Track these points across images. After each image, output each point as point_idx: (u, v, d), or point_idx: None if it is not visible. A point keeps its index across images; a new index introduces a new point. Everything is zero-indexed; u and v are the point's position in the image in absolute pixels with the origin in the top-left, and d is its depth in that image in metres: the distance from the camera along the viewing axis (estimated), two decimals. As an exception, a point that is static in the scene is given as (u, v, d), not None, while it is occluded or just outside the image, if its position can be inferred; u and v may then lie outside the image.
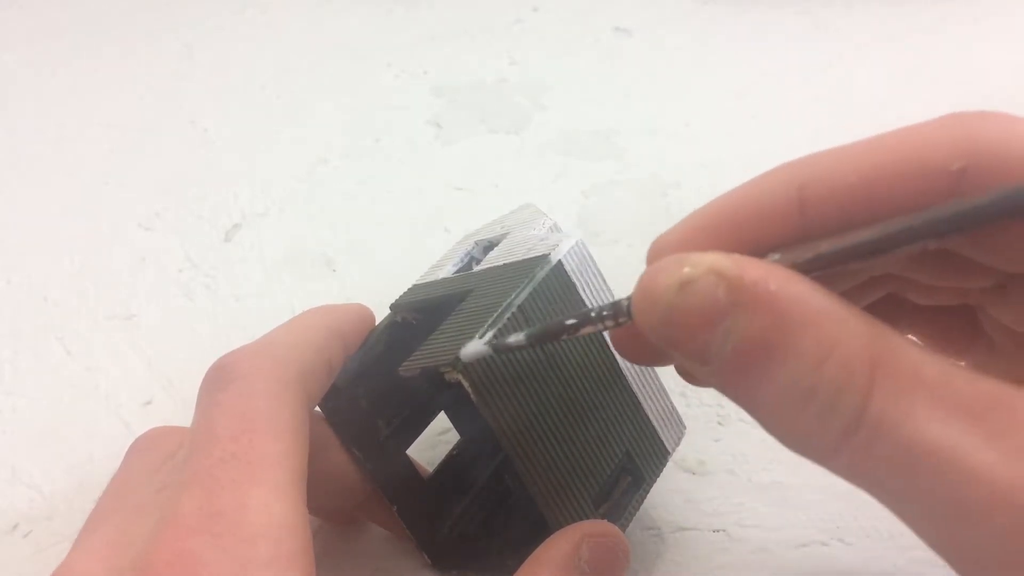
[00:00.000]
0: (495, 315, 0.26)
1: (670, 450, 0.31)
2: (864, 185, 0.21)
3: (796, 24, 0.64)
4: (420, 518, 0.31)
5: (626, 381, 0.30)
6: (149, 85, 0.63)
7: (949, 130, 0.21)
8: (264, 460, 0.23)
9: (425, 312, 0.30)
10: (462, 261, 0.33)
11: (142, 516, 0.24)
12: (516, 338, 0.24)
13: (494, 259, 0.31)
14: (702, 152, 0.53)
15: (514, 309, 0.26)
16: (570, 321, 0.22)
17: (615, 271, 0.33)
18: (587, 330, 0.22)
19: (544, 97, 0.59)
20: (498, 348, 0.24)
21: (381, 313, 0.31)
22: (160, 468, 0.26)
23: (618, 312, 0.22)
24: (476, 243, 0.33)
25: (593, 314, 0.22)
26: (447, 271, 0.32)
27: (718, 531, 0.33)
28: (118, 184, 0.54)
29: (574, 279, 0.28)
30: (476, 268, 0.31)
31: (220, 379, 0.25)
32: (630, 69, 0.61)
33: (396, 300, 0.32)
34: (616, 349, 0.26)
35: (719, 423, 0.37)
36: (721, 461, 0.35)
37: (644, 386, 0.30)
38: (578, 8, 0.68)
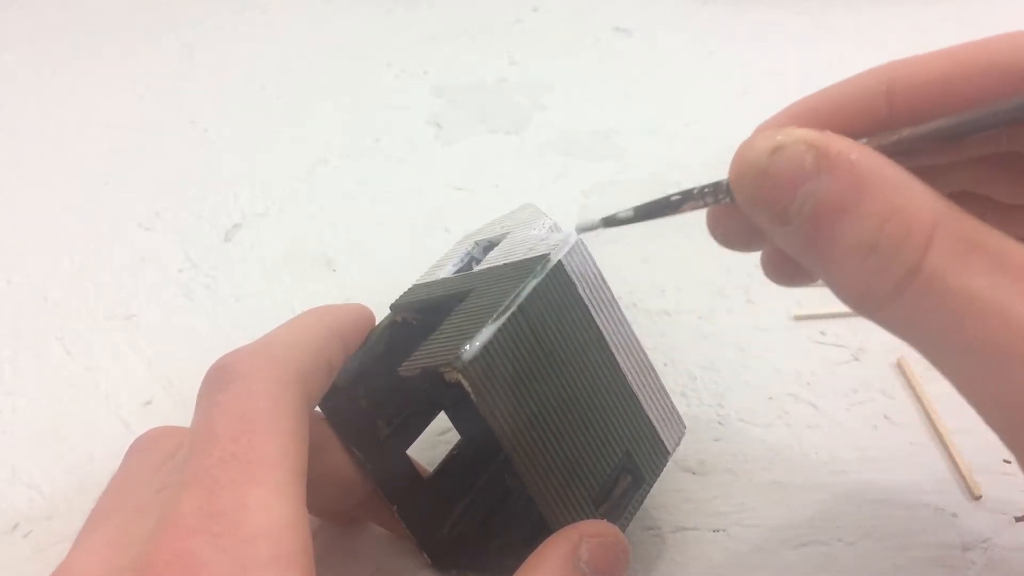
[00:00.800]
0: (495, 314, 0.26)
1: (670, 450, 0.31)
2: (947, 81, 0.23)
3: (796, 24, 0.64)
4: (420, 518, 0.31)
5: (626, 381, 0.29)
6: (149, 85, 0.63)
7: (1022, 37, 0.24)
8: (264, 460, 0.23)
9: (425, 312, 0.30)
10: (462, 261, 0.33)
11: (142, 516, 0.24)
12: (625, 213, 0.25)
13: (494, 259, 0.31)
14: (702, 152, 0.53)
15: (514, 309, 0.26)
16: (674, 197, 0.24)
17: (615, 271, 0.33)
18: (689, 206, 0.25)
19: (544, 97, 0.59)
20: (608, 222, 0.26)
21: (381, 313, 0.31)
22: (160, 468, 0.26)
23: (718, 190, 0.24)
24: (476, 243, 0.33)
25: (695, 191, 0.24)
26: (447, 271, 0.32)
27: (718, 531, 0.33)
28: (118, 184, 0.54)
29: (574, 279, 0.28)
30: (476, 268, 0.31)
31: (220, 379, 0.25)
32: (630, 69, 0.61)
33: (396, 300, 0.32)
34: (711, 231, 0.27)
35: (719, 423, 0.37)
36: (721, 461, 0.35)
37: (644, 386, 0.30)
38: (578, 8, 0.68)
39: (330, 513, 0.33)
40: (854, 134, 0.23)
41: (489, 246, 0.33)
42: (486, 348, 0.25)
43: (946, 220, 0.20)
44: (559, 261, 0.28)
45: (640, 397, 0.30)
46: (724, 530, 0.33)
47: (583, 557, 0.25)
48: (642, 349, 0.31)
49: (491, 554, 0.31)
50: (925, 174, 0.22)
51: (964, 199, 0.26)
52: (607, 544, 0.26)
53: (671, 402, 0.31)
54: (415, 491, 0.31)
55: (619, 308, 0.30)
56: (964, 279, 0.20)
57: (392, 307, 0.31)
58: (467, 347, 0.25)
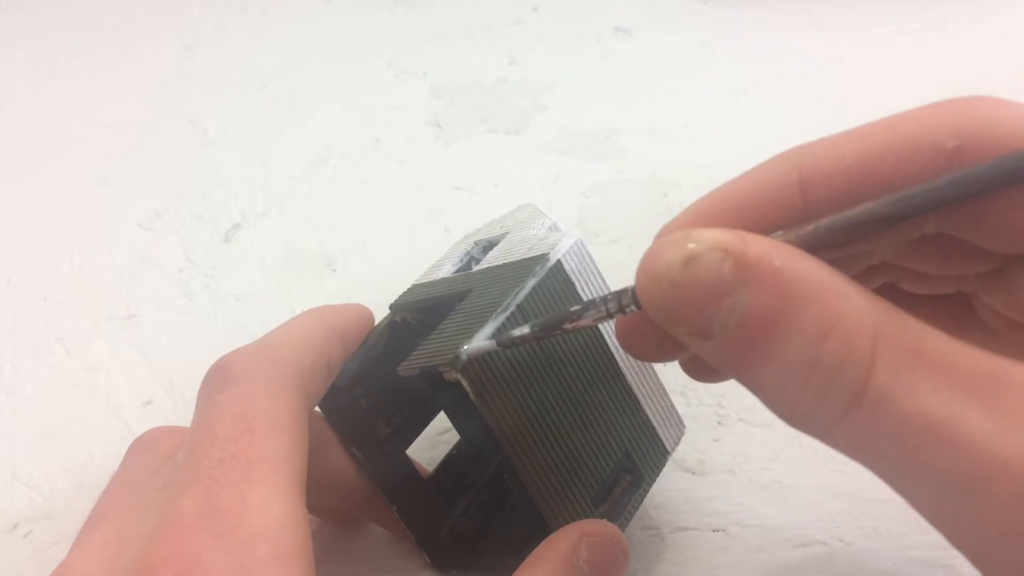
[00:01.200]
0: (494, 314, 0.26)
1: (669, 450, 0.31)
2: (862, 165, 0.21)
3: (796, 24, 0.64)
4: (420, 518, 0.31)
5: (626, 381, 0.29)
6: (149, 85, 0.63)
7: (944, 111, 0.21)
8: (264, 460, 0.23)
9: (424, 312, 0.30)
10: (461, 261, 0.33)
11: (141, 516, 0.24)
12: (520, 331, 0.24)
13: (493, 259, 0.31)
14: (702, 152, 0.53)
15: (513, 308, 0.26)
16: (574, 308, 0.23)
17: (615, 271, 0.33)
18: (591, 317, 0.22)
19: (544, 97, 0.59)
20: (502, 342, 0.24)
21: (381, 313, 0.31)
22: (160, 468, 0.26)
23: (622, 299, 0.22)
24: (475, 243, 0.33)
25: (598, 301, 0.22)
26: (446, 271, 0.32)
27: (718, 531, 0.33)
28: (118, 184, 0.54)
29: (573, 279, 0.28)
30: (475, 268, 0.31)
31: (219, 379, 0.25)
32: (630, 69, 0.61)
33: (395, 300, 0.32)
34: (621, 343, 0.25)
35: (719, 423, 0.37)
36: (721, 461, 0.35)
37: (644, 385, 0.30)
38: (578, 8, 0.68)
39: (330, 513, 0.33)
40: (768, 229, 0.21)
41: (488, 246, 0.33)
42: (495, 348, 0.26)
43: (887, 328, 0.18)
44: (558, 260, 0.28)
45: (639, 397, 0.30)
46: (724, 530, 0.33)
47: (582, 556, 0.25)
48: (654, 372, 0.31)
49: (491, 554, 0.31)
50: (841, 260, 0.22)
51: (883, 269, 0.25)
52: (606, 543, 0.26)
53: (670, 402, 0.31)
54: (415, 491, 0.31)
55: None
56: (913, 399, 0.18)
57: (391, 307, 0.31)
58: (466, 346, 0.25)
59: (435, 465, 0.33)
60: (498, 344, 0.25)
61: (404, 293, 0.32)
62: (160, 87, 0.63)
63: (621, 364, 0.29)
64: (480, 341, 0.25)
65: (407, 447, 0.32)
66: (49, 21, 0.72)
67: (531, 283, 0.27)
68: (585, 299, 0.29)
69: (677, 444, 0.31)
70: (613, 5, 0.68)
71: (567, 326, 0.23)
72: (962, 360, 0.18)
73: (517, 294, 0.27)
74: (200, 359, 0.41)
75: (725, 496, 0.34)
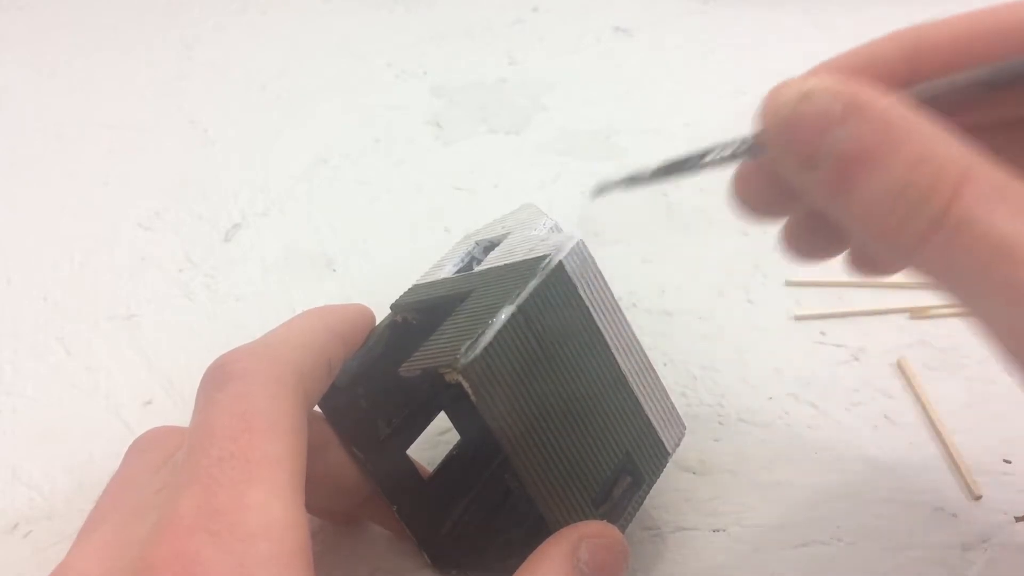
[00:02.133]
0: (494, 316, 0.26)
1: (670, 451, 0.31)
2: (971, 41, 0.24)
3: (796, 24, 0.64)
4: (420, 518, 0.31)
5: (627, 382, 0.29)
6: (149, 85, 0.63)
7: None
8: (263, 460, 0.23)
9: (425, 312, 0.30)
10: (462, 261, 0.33)
11: (141, 516, 0.24)
12: (644, 172, 0.25)
13: (495, 259, 0.31)
14: (702, 152, 0.53)
15: (514, 310, 0.26)
16: (697, 152, 0.24)
17: (616, 271, 0.33)
18: (713, 159, 0.24)
19: (544, 97, 0.59)
20: (630, 181, 0.26)
21: (381, 313, 0.31)
22: (159, 468, 0.26)
23: (743, 145, 0.24)
24: (477, 243, 0.33)
25: (720, 145, 0.24)
26: (447, 271, 0.32)
27: (718, 531, 0.33)
28: (118, 184, 0.54)
29: (575, 280, 0.28)
30: (477, 268, 0.31)
31: (218, 378, 0.25)
32: (630, 69, 0.61)
33: (396, 300, 0.32)
34: (736, 194, 0.27)
35: (719, 423, 0.37)
36: (721, 461, 0.35)
37: (645, 387, 0.30)
38: (578, 8, 0.68)
39: (330, 513, 0.33)
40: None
41: (490, 246, 0.33)
42: (486, 349, 0.25)
43: (976, 167, 0.20)
44: (560, 262, 0.28)
45: (640, 398, 0.30)
46: (724, 530, 0.33)
47: (583, 558, 0.25)
48: (642, 350, 0.31)
49: (491, 554, 0.31)
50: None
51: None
52: (607, 544, 0.26)
53: (671, 403, 0.31)
54: (415, 491, 0.31)
55: (620, 309, 0.30)
56: (994, 224, 0.20)
57: (392, 307, 0.31)
58: (467, 348, 0.25)
59: (435, 465, 0.33)
60: (626, 185, 0.25)
61: (405, 293, 0.32)
62: (160, 87, 0.63)
63: (622, 365, 0.29)
64: (608, 183, 0.26)
65: (407, 447, 0.32)
66: (49, 21, 0.72)
67: (532, 284, 0.27)
68: (586, 300, 0.29)
69: (678, 445, 0.31)
70: (613, 5, 0.68)
71: (690, 168, 0.24)
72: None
73: (518, 295, 0.27)
74: (200, 359, 0.41)
75: (725, 496, 0.34)
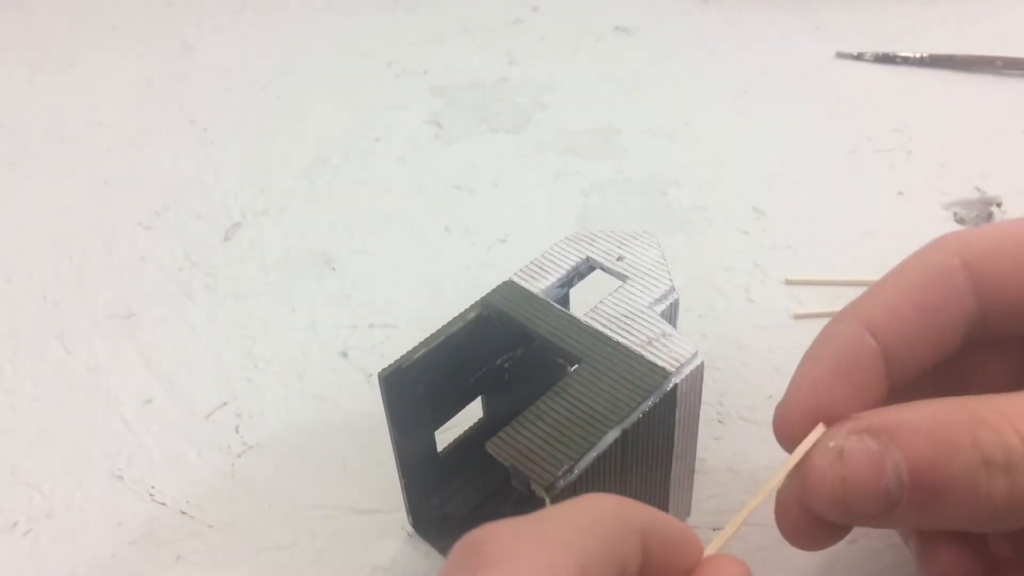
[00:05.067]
0: (598, 431, 0.26)
1: None
2: (908, 303, 0.26)
3: (796, 24, 0.64)
4: (420, 486, 0.32)
5: (668, 483, 0.30)
6: (149, 85, 0.63)
7: (941, 242, 0.27)
8: None
9: (518, 336, 0.30)
10: (568, 276, 0.32)
11: None
12: None
13: (607, 319, 0.29)
14: (702, 152, 0.53)
15: (619, 434, 0.26)
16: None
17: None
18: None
19: (544, 97, 0.59)
20: None
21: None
22: None
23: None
24: (588, 258, 0.32)
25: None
26: (551, 281, 0.31)
27: (718, 529, 0.33)
28: (118, 184, 0.54)
29: (679, 400, 0.28)
30: (585, 320, 0.29)
31: (471, 561, 0.19)
32: (630, 69, 0.61)
33: (489, 296, 0.31)
34: (786, 529, 0.27)
35: (720, 421, 0.37)
36: (722, 459, 0.35)
37: (679, 486, 0.31)
38: (578, 8, 0.68)
39: None
40: (860, 387, 0.25)
41: (600, 269, 0.32)
42: (582, 474, 0.25)
43: (1010, 405, 0.22)
44: (674, 385, 0.27)
45: (671, 496, 0.30)
46: (724, 528, 0.33)
47: None
48: (695, 452, 0.31)
49: None
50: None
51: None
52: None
53: (691, 493, 0.32)
54: (426, 465, 0.32)
55: (698, 419, 0.30)
56: None
57: (484, 303, 0.30)
58: (565, 471, 0.25)
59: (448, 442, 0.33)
60: None
61: (499, 289, 0.31)
62: (160, 87, 0.63)
63: (673, 471, 0.30)
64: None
65: (437, 428, 0.32)
66: (49, 21, 0.71)
67: (643, 406, 0.27)
68: (677, 418, 0.28)
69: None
70: (613, 5, 0.68)
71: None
72: None
73: (626, 415, 0.26)
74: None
75: (726, 494, 0.34)
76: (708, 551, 0.23)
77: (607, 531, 0.20)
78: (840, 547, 0.31)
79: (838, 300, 0.41)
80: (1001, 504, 0.22)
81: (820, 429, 0.24)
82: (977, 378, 0.25)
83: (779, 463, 0.34)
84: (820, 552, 0.31)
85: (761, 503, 0.24)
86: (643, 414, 0.27)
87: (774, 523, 0.32)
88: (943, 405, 0.23)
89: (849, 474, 0.23)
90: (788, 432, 0.25)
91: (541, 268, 0.32)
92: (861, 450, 0.23)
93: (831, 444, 0.23)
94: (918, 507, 0.22)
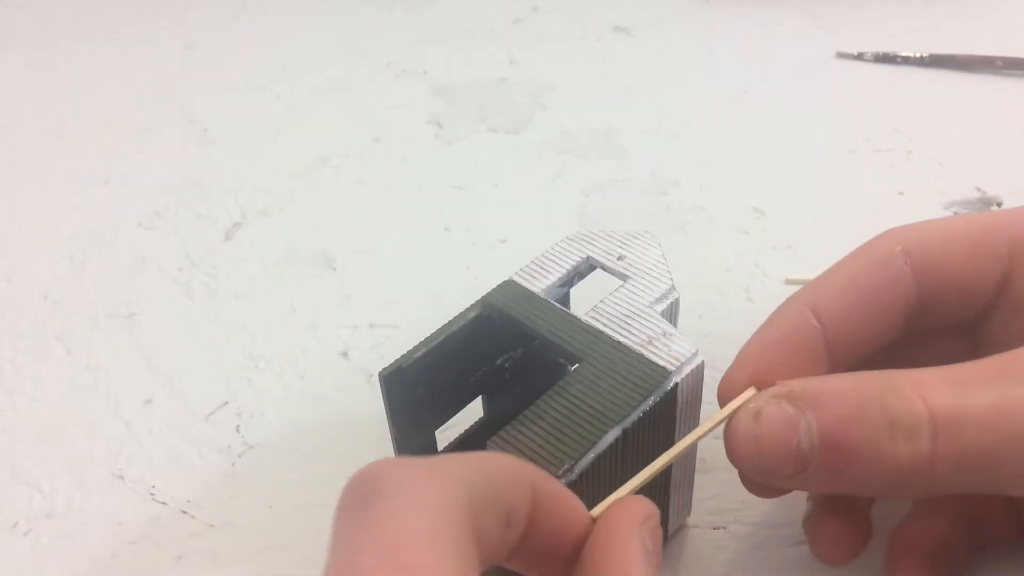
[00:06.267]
0: (599, 430, 0.26)
1: (667, 537, 0.32)
2: (849, 286, 0.28)
3: (796, 24, 0.64)
4: None
5: (668, 482, 0.30)
6: (149, 85, 0.63)
7: (886, 233, 0.29)
8: None
9: (518, 336, 0.30)
10: (568, 275, 0.32)
11: None
12: None
13: (606, 318, 0.29)
14: (702, 152, 0.53)
15: (619, 433, 0.26)
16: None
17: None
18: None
19: (544, 97, 0.59)
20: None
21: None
22: None
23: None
24: (588, 257, 0.32)
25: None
26: (552, 280, 0.31)
27: (718, 528, 0.33)
28: (118, 184, 0.54)
29: (679, 399, 0.28)
30: (586, 319, 0.29)
31: (364, 494, 0.19)
32: (630, 69, 0.61)
33: (489, 295, 0.30)
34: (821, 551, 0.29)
35: (719, 421, 0.37)
36: (722, 458, 0.35)
37: (679, 485, 0.31)
38: (578, 8, 0.68)
39: None
40: (802, 361, 0.27)
41: (600, 269, 0.32)
42: (582, 473, 0.25)
43: (919, 377, 0.24)
44: (675, 384, 0.27)
45: (671, 495, 0.30)
46: (724, 528, 0.33)
47: (648, 548, 0.22)
48: (696, 452, 0.31)
49: None
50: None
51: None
52: (656, 524, 0.24)
53: (691, 494, 0.32)
54: None
55: (698, 420, 0.30)
56: (971, 401, 0.23)
57: (484, 303, 0.30)
58: (565, 470, 0.25)
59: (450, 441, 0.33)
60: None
61: (499, 288, 0.31)
62: (160, 87, 0.63)
63: (674, 473, 0.30)
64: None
65: (438, 428, 0.32)
66: (49, 21, 0.72)
67: (643, 405, 0.27)
68: (677, 417, 0.28)
69: (677, 528, 0.32)
70: (613, 5, 0.68)
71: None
72: (972, 370, 0.24)
73: (626, 414, 0.26)
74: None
75: (726, 494, 0.34)
76: (596, 511, 0.23)
77: (498, 474, 0.21)
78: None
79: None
80: (905, 467, 0.23)
81: (750, 392, 0.26)
82: (918, 365, 0.25)
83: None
84: (819, 552, 0.31)
85: (675, 457, 0.25)
86: (643, 413, 0.27)
87: (773, 523, 0.33)
88: (862, 376, 0.25)
89: (763, 434, 0.24)
90: (725, 397, 0.27)
91: (541, 268, 0.32)
92: (777, 412, 0.24)
93: (752, 406, 0.25)
94: (828, 468, 0.24)
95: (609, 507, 0.23)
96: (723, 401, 0.27)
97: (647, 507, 0.23)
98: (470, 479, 0.20)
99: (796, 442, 0.24)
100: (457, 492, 0.19)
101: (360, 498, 0.19)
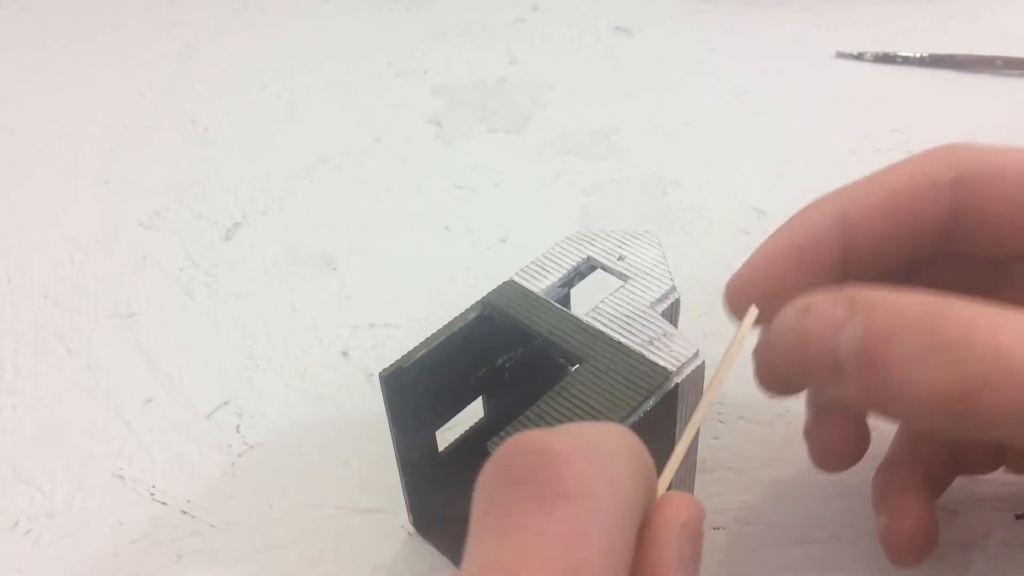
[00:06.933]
0: None
1: None
2: (885, 206, 0.26)
3: (796, 24, 0.64)
4: (420, 486, 0.32)
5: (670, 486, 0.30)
6: (149, 85, 0.63)
7: (940, 153, 0.26)
8: None
9: (519, 335, 0.30)
10: (569, 276, 0.31)
11: None
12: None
13: (607, 318, 0.29)
14: (702, 151, 0.53)
15: (683, 441, 0.26)
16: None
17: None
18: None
19: (544, 97, 0.59)
20: None
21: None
22: None
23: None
24: (589, 258, 0.32)
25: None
26: (552, 281, 0.31)
27: (718, 528, 0.33)
28: (118, 183, 0.54)
29: (680, 399, 0.28)
30: (586, 319, 0.29)
31: (541, 480, 0.17)
32: (630, 69, 0.61)
33: (490, 295, 0.30)
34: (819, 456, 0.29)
35: (719, 420, 0.37)
36: (722, 459, 0.35)
37: (682, 483, 0.30)
38: (578, 7, 0.68)
39: None
40: (823, 265, 0.26)
41: (601, 269, 0.32)
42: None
43: (997, 308, 0.21)
44: (676, 384, 0.27)
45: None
46: (724, 528, 0.33)
47: (686, 553, 0.21)
48: (695, 451, 0.31)
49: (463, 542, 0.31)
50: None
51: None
52: (699, 527, 0.22)
53: (693, 491, 0.32)
54: (426, 465, 0.32)
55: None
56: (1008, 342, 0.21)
57: (484, 303, 0.30)
58: None
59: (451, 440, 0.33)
60: None
61: (500, 289, 0.31)
62: (160, 87, 0.63)
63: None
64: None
65: (438, 428, 0.32)
66: (49, 21, 0.72)
67: (642, 408, 0.26)
68: (677, 416, 0.28)
69: None
70: (613, 4, 0.68)
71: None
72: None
73: (627, 416, 0.26)
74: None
75: (726, 494, 0.34)
76: (660, 484, 0.22)
77: (649, 481, 0.20)
78: (839, 547, 0.32)
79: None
80: (939, 393, 0.21)
81: (753, 312, 0.26)
82: (937, 287, 0.25)
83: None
84: (818, 552, 0.31)
85: (703, 416, 0.25)
86: (644, 414, 0.27)
87: (773, 523, 0.33)
88: (934, 301, 0.22)
89: (808, 327, 0.23)
90: (735, 303, 0.27)
91: (542, 268, 0.32)
92: (828, 312, 0.23)
93: (805, 300, 0.24)
94: (863, 375, 0.22)
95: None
96: (732, 306, 0.27)
97: (689, 508, 0.20)
98: (640, 489, 0.19)
99: (835, 345, 0.23)
100: (635, 513, 0.18)
101: (537, 482, 0.17)
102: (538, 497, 0.16)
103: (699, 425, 0.25)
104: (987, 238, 0.26)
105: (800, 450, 0.35)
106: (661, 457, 0.28)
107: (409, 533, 0.33)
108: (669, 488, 0.23)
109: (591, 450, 0.18)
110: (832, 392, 0.23)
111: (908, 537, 0.28)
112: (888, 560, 0.29)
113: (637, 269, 0.31)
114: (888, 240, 0.26)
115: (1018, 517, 0.32)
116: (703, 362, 0.28)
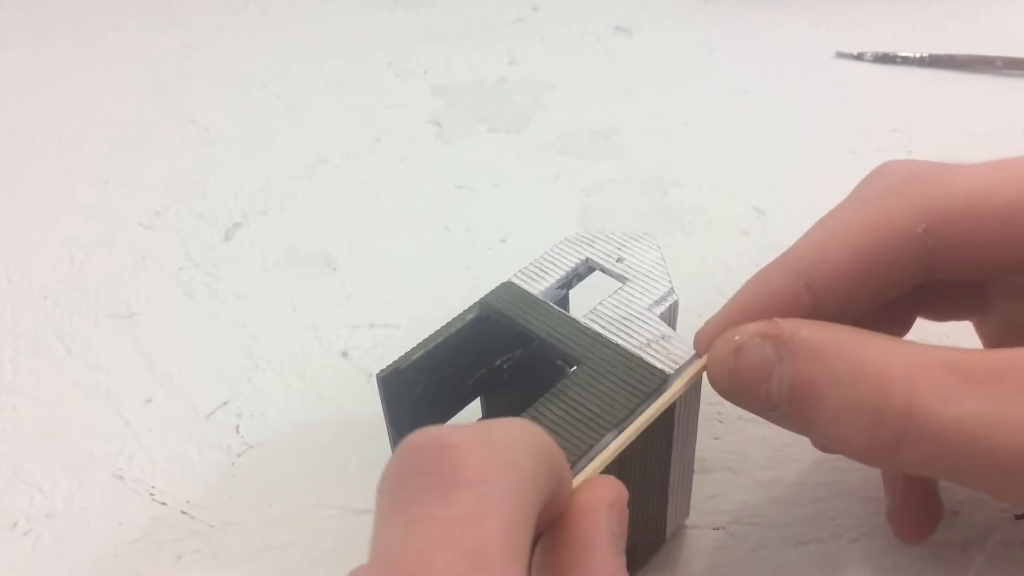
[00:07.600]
0: (596, 435, 0.26)
1: (667, 537, 0.32)
2: (853, 263, 0.25)
3: (796, 24, 0.64)
4: None
5: (667, 485, 0.30)
6: (149, 85, 0.63)
7: (905, 199, 0.25)
8: None
9: (517, 337, 0.30)
10: (567, 277, 0.31)
11: None
12: None
13: (605, 320, 0.29)
14: (702, 151, 0.53)
15: (619, 438, 0.26)
16: None
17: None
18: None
19: (544, 97, 0.59)
20: None
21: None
22: None
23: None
24: (587, 259, 0.32)
25: None
26: (550, 282, 0.31)
27: (718, 529, 0.33)
28: (118, 183, 0.54)
29: (677, 403, 0.27)
30: (584, 321, 0.29)
31: (437, 471, 0.17)
32: (630, 69, 0.61)
33: (488, 296, 0.30)
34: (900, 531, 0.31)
35: (719, 421, 0.37)
36: (721, 459, 0.35)
37: (677, 487, 0.30)
38: (578, 7, 0.68)
39: None
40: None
41: (599, 271, 0.32)
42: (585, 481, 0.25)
43: (918, 360, 0.22)
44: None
45: (670, 496, 0.30)
46: (724, 528, 0.33)
47: (615, 530, 0.21)
48: (693, 452, 0.30)
49: None
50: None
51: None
52: (623, 508, 0.23)
53: (689, 496, 0.32)
54: None
55: (696, 420, 0.29)
56: (956, 411, 0.21)
57: (483, 304, 0.30)
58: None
59: None
60: None
61: (498, 290, 0.31)
62: (160, 87, 0.63)
63: (672, 472, 0.29)
64: None
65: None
66: (49, 21, 0.72)
67: (641, 412, 0.26)
68: (675, 419, 0.28)
69: (676, 530, 0.32)
70: (613, 4, 0.68)
71: None
72: (981, 363, 0.21)
73: (625, 419, 0.26)
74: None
75: (725, 494, 0.34)
76: (576, 480, 0.23)
77: (552, 468, 0.20)
78: (839, 547, 0.32)
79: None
80: (860, 450, 0.22)
81: (702, 361, 0.26)
82: (920, 307, 0.25)
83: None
84: (818, 552, 0.31)
85: (648, 420, 0.25)
86: (643, 417, 0.27)
87: (773, 523, 0.33)
88: (858, 342, 0.23)
89: (738, 369, 0.24)
90: (701, 349, 0.27)
91: (541, 269, 0.32)
92: (756, 354, 0.24)
93: (736, 338, 0.24)
94: (792, 420, 0.24)
95: (577, 488, 0.22)
96: (699, 349, 0.28)
97: (614, 488, 0.22)
98: (540, 474, 0.19)
99: (766, 388, 0.23)
100: (534, 495, 0.18)
101: (434, 473, 0.17)
102: (436, 487, 0.17)
103: (638, 431, 0.25)
104: (968, 268, 0.26)
105: (800, 450, 0.35)
106: (655, 459, 0.28)
107: (409, 533, 0.33)
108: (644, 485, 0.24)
109: (486, 440, 0.18)
110: (771, 420, 0.25)
111: (914, 515, 0.30)
112: (894, 536, 0.31)
113: (636, 271, 0.31)
114: (855, 295, 0.25)
115: (1018, 517, 0.32)
116: (703, 364, 0.28)
